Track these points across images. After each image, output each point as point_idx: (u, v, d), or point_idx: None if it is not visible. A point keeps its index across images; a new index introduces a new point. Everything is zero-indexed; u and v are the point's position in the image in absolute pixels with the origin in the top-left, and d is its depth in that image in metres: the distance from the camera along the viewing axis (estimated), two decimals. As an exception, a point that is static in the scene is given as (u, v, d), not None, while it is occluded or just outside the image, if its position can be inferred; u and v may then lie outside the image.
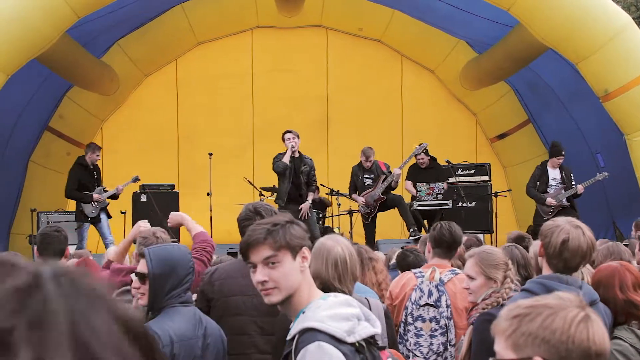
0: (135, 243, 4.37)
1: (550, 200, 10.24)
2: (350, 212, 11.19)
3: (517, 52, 10.67)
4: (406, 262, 5.17)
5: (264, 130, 13.40)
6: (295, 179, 9.54)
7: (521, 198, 11.67)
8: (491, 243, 10.71)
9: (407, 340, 4.31)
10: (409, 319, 4.32)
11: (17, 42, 8.67)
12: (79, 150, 11.98)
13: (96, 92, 12.21)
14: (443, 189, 10.69)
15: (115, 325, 0.78)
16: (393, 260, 6.06)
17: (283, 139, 9.55)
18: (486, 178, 11.68)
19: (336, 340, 2.19)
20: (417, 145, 10.77)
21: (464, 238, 6.83)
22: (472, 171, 11.71)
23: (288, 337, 2.29)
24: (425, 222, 10.71)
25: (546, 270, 3.10)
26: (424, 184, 10.70)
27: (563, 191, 10.28)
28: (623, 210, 10.68)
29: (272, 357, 3.39)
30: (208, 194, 11.09)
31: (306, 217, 9.44)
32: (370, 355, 2.29)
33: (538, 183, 10.45)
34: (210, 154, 11.28)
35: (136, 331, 0.80)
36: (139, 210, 10.86)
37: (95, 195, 10.45)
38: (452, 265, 4.53)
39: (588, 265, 3.90)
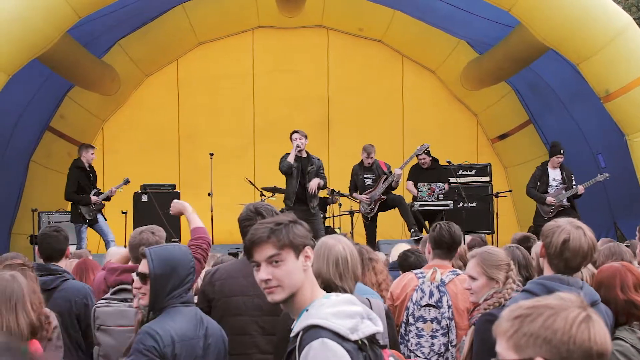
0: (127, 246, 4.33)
1: (550, 199, 10.24)
2: (351, 212, 11.19)
3: (518, 52, 10.67)
4: (407, 262, 5.17)
5: (265, 130, 13.41)
6: (302, 180, 9.50)
7: (522, 198, 11.67)
8: (492, 244, 10.70)
9: (408, 340, 4.31)
10: (410, 320, 4.32)
11: (18, 42, 8.68)
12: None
13: (97, 92, 12.21)
14: (444, 189, 10.69)
15: None
16: (393, 259, 6.06)
17: (290, 139, 9.53)
18: (487, 178, 11.69)
19: (340, 338, 2.21)
20: (418, 145, 10.78)
21: (469, 238, 6.85)
22: (473, 172, 11.71)
23: (292, 335, 2.31)
24: (427, 222, 10.71)
25: (547, 271, 3.10)
26: (425, 184, 10.71)
27: (564, 191, 10.28)
28: (624, 211, 10.69)
29: (273, 357, 3.39)
30: (209, 194, 11.10)
31: (314, 193, 9.36)
32: (373, 353, 2.31)
33: (538, 183, 10.45)
34: (211, 154, 11.29)
35: None
36: (140, 211, 10.88)
37: (93, 198, 10.49)
38: (452, 266, 4.53)
39: (589, 266, 3.90)
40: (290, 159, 9.45)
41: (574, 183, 10.28)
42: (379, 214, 10.54)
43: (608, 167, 10.62)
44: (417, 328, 4.31)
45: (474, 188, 11.42)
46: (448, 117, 13.51)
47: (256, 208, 3.87)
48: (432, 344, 4.26)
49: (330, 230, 10.52)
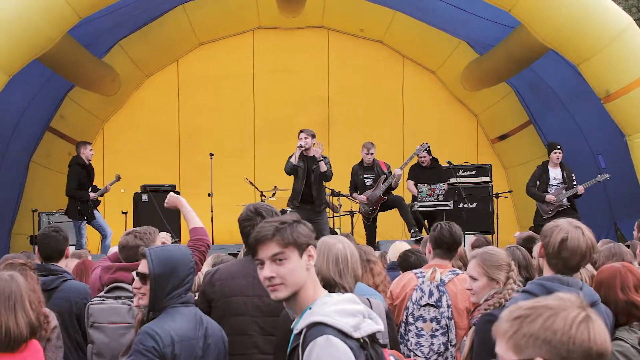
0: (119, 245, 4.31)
1: (550, 197, 10.23)
2: (352, 213, 11.19)
3: (518, 53, 10.67)
4: (408, 262, 5.17)
5: (265, 130, 13.41)
6: (307, 180, 9.45)
7: (522, 199, 11.67)
8: (492, 244, 10.70)
9: (408, 340, 4.31)
10: (410, 319, 4.33)
11: (19, 42, 8.68)
12: (81, 151, 11.99)
13: (97, 92, 12.22)
14: (444, 190, 10.69)
15: None
16: (391, 258, 6.06)
17: (298, 138, 9.48)
18: (487, 179, 11.68)
19: (343, 335, 2.24)
20: (418, 145, 10.78)
21: (473, 238, 6.86)
22: (473, 172, 11.71)
23: (295, 332, 2.33)
24: (426, 222, 10.71)
25: (546, 271, 3.10)
26: (425, 184, 10.71)
27: (564, 191, 10.28)
28: (624, 211, 10.69)
29: (273, 358, 3.39)
30: (209, 195, 11.10)
31: (318, 157, 9.30)
32: (374, 352, 2.34)
33: (538, 182, 10.45)
34: (212, 155, 11.29)
35: None
36: (140, 211, 10.89)
37: (92, 195, 10.62)
38: (452, 266, 4.53)
39: (588, 266, 3.90)
40: (294, 160, 9.39)
41: (574, 183, 10.28)
42: (379, 214, 10.53)
43: (608, 167, 10.62)
44: (416, 327, 4.31)
45: (474, 188, 11.41)
46: (448, 118, 13.51)
47: (256, 208, 3.87)
48: (432, 344, 4.26)
49: (330, 231, 10.51)
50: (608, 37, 8.87)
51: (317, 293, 2.39)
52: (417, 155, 10.81)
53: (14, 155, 11.13)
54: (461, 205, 10.68)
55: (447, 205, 10.60)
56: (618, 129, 9.41)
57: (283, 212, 9.61)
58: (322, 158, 9.51)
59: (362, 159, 10.54)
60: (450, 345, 4.24)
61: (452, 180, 10.92)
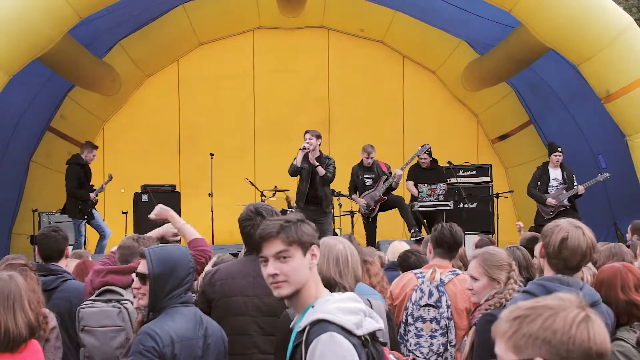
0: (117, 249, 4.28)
1: (550, 201, 10.23)
2: (352, 213, 11.19)
3: (518, 53, 10.67)
4: (408, 262, 5.17)
5: (266, 130, 13.41)
6: (312, 181, 9.40)
7: (522, 199, 11.67)
8: (496, 245, 10.70)
9: (407, 340, 4.31)
10: (410, 320, 4.32)
11: (19, 42, 8.68)
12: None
13: (98, 92, 12.22)
14: (445, 190, 10.69)
15: None
16: (390, 258, 6.06)
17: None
18: (487, 179, 11.68)
19: (346, 332, 2.28)
20: (419, 146, 10.78)
21: (477, 238, 6.86)
22: (474, 172, 11.70)
23: (298, 329, 2.35)
24: (425, 222, 10.70)
25: (547, 271, 3.10)
26: (426, 184, 10.70)
27: (564, 191, 10.28)
28: (624, 212, 10.68)
29: (273, 358, 3.39)
30: (209, 195, 11.10)
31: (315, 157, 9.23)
32: (375, 350, 2.37)
33: (539, 183, 10.45)
34: (212, 155, 11.29)
35: None
36: (140, 211, 10.88)
37: (91, 194, 10.66)
38: (453, 266, 4.53)
39: (590, 265, 3.90)
40: (297, 161, 9.34)
41: (575, 183, 10.28)
42: (379, 214, 10.53)
43: (608, 167, 10.62)
44: (416, 328, 4.31)
45: (475, 188, 11.41)
46: (448, 118, 13.51)
47: (256, 208, 3.87)
48: (431, 344, 4.26)
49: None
50: (608, 37, 8.87)
51: (319, 292, 2.42)
52: (418, 156, 10.81)
53: (14, 155, 11.13)
54: (461, 205, 10.68)
55: (447, 205, 10.60)
56: (618, 129, 9.40)
57: (283, 212, 9.61)
58: (327, 159, 9.48)
59: (362, 160, 10.54)
60: (450, 345, 4.24)
61: (452, 180, 10.93)
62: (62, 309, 4.24)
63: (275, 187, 11.41)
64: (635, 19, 10.06)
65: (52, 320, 3.74)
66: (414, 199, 10.91)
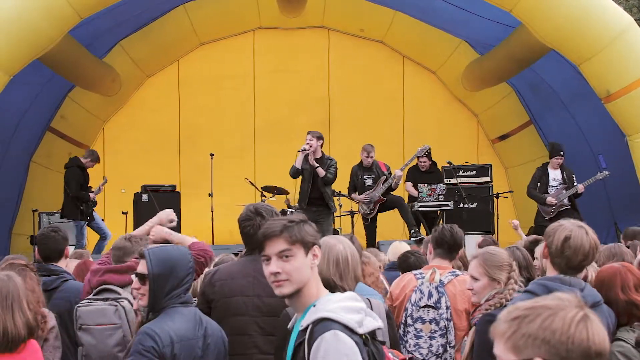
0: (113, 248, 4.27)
1: (550, 200, 10.23)
2: (352, 213, 11.19)
3: (519, 53, 10.66)
4: (407, 263, 5.17)
5: (266, 131, 13.41)
6: (314, 181, 9.37)
7: (523, 199, 11.66)
8: (498, 245, 10.69)
9: (406, 341, 4.31)
10: (409, 321, 4.32)
11: (19, 42, 8.68)
12: (81, 151, 11.99)
13: (98, 92, 12.21)
14: (444, 190, 10.69)
15: None
16: (390, 259, 6.05)
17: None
18: (487, 179, 11.67)
19: (349, 330, 2.31)
20: (419, 146, 10.78)
21: (480, 239, 6.87)
22: (474, 172, 11.69)
23: (300, 328, 2.38)
24: (425, 222, 10.70)
25: (550, 271, 3.11)
26: (426, 185, 10.70)
27: (564, 191, 10.27)
28: (624, 212, 10.67)
29: (273, 358, 3.39)
30: (209, 195, 11.11)
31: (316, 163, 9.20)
32: (375, 348, 2.41)
33: (538, 184, 10.44)
34: (212, 155, 11.29)
35: None
36: (140, 211, 10.88)
37: (91, 195, 10.78)
38: (452, 267, 4.53)
39: (594, 264, 3.90)
40: (298, 162, 9.32)
41: (575, 183, 10.27)
42: (379, 215, 10.53)
43: (609, 167, 10.60)
44: (415, 329, 4.30)
45: (475, 189, 11.40)
46: (448, 118, 13.51)
47: (256, 208, 3.87)
48: (431, 345, 4.26)
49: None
50: (608, 37, 8.87)
51: (319, 291, 2.45)
52: (418, 157, 10.81)
53: (14, 155, 11.13)
54: (461, 205, 10.67)
55: (447, 206, 10.60)
56: (618, 129, 9.40)
57: (283, 212, 9.62)
58: (328, 160, 9.47)
59: (362, 160, 10.53)
60: (449, 346, 4.24)
61: (452, 180, 10.93)
62: (62, 309, 4.24)
63: (276, 187, 11.36)
64: (635, 19, 10.06)
65: (51, 320, 3.74)
66: (413, 199, 10.91)
